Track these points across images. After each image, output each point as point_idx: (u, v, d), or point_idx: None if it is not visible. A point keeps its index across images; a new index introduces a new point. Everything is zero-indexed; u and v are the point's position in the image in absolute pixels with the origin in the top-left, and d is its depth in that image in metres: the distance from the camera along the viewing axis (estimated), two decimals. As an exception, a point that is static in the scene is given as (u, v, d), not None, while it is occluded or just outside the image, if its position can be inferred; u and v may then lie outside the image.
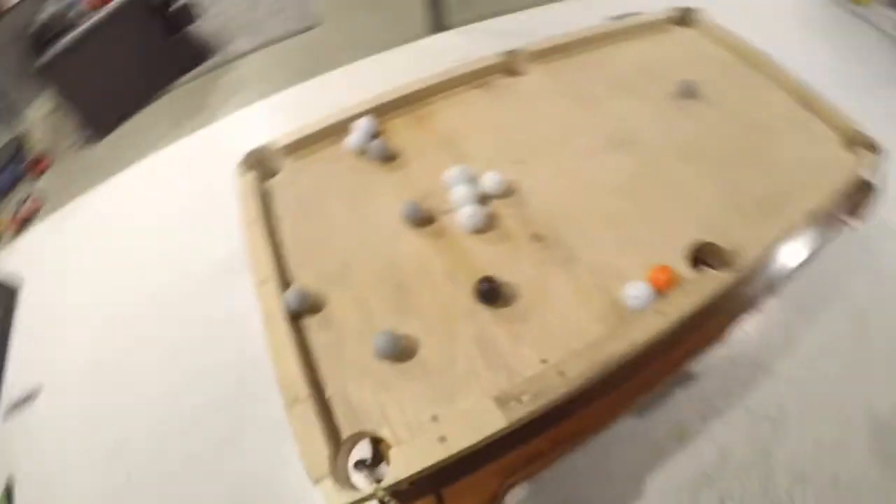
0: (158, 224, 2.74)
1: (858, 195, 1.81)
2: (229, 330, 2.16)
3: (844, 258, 2.81)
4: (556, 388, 1.07)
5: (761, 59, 2.12)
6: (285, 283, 1.33)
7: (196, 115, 3.52)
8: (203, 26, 5.10)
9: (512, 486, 1.16)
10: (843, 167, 1.72)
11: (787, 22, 4.92)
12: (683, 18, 2.31)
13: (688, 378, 2.24)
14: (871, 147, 1.80)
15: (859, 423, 2.28)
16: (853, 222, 1.90)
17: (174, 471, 1.89)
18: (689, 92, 1.91)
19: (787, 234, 1.47)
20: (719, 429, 2.19)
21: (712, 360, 2.34)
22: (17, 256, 3.04)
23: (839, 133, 1.87)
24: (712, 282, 1.29)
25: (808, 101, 1.97)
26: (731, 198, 1.57)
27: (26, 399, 2.26)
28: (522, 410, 1.04)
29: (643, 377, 1.31)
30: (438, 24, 4.27)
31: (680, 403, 2.20)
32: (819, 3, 5.18)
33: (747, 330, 2.45)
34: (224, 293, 2.30)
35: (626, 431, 2.09)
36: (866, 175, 1.82)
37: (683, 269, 1.34)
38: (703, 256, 1.39)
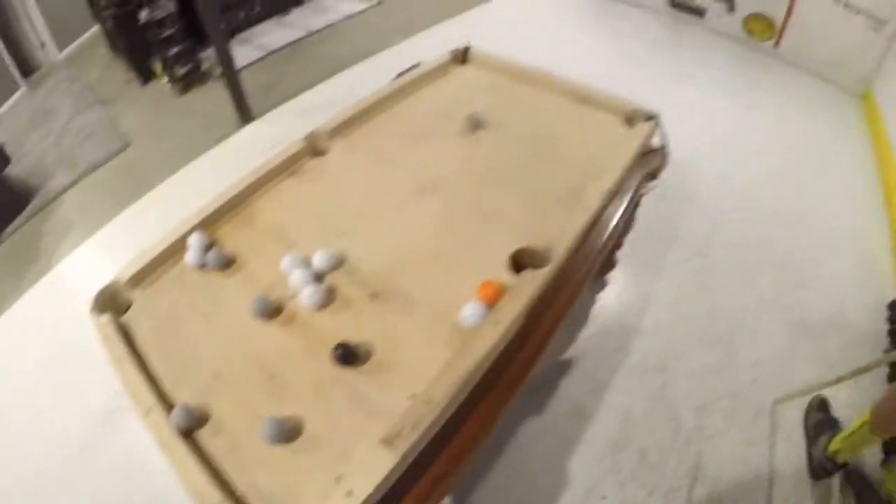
0: (22, 391, 2.64)
1: (653, 160, 2.11)
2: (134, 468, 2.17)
3: (664, 208, 3.21)
4: (429, 414, 1.23)
5: (532, 73, 2.42)
6: (168, 406, 1.38)
7: (33, 264, 3.39)
8: (16, 169, 4.89)
9: None
10: (628, 143, 2.04)
11: (562, 23, 5.47)
12: (460, 58, 2.57)
13: (564, 364, 2.47)
14: (649, 117, 2.11)
15: (731, 337, 2.63)
16: (652, 183, 2.20)
17: None
18: (476, 124, 2.16)
19: (591, 216, 1.73)
20: (613, 395, 2.45)
21: (582, 339, 2.61)
22: None
23: (618, 115, 2.19)
24: (533, 280, 1.53)
25: (583, 97, 2.29)
26: (535, 204, 1.84)
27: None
28: (407, 443, 1.19)
29: (511, 374, 1.48)
30: (245, 116, 4.40)
31: (568, 388, 2.43)
32: (595, 3, 5.78)
33: (605, 303, 2.74)
34: (115, 436, 2.31)
35: (532, 430, 2.29)
36: (652, 141, 2.16)
37: (509, 278, 1.55)
38: (524, 261, 1.61)
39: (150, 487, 2.06)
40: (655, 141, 2.20)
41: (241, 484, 1.23)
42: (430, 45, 2.94)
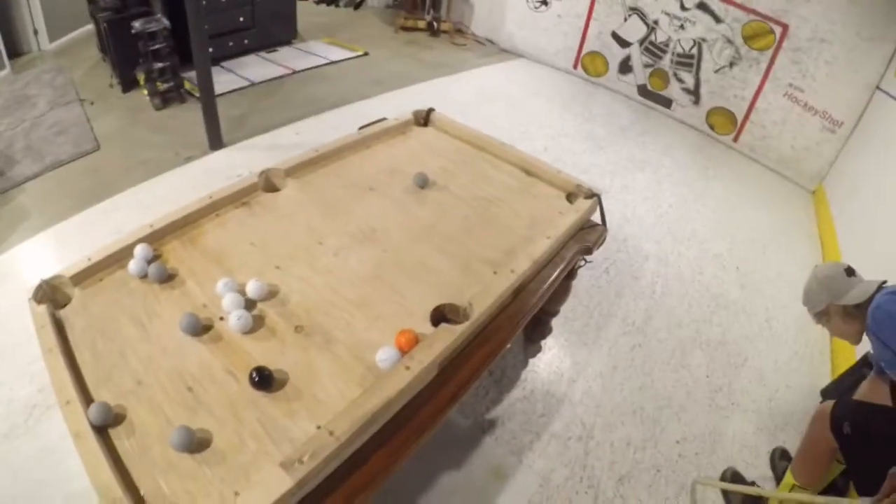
0: None
1: (590, 235, 2.27)
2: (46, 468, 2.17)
3: (605, 280, 3.37)
4: (329, 446, 1.31)
5: (484, 141, 2.59)
6: (88, 401, 1.44)
7: None
8: None
9: None
10: (565, 217, 2.19)
11: (538, 98, 5.74)
12: (422, 120, 2.73)
13: (488, 423, 2.55)
14: (591, 195, 2.27)
15: (660, 412, 2.75)
16: (585, 257, 2.33)
17: None
18: (423, 182, 2.30)
19: (516, 280, 1.85)
20: (534, 459, 2.53)
21: (509, 401, 2.70)
22: None
23: (561, 190, 2.33)
24: (448, 334, 1.63)
25: (530, 169, 2.44)
26: (466, 264, 1.97)
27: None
28: (304, 470, 1.25)
29: (419, 420, 1.56)
30: (215, 142, 4.50)
31: (491, 447, 2.50)
32: (569, 82, 6.10)
33: (536, 369, 2.85)
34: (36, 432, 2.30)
35: (449, 484, 2.35)
36: (590, 217, 2.31)
37: (427, 329, 1.66)
38: (446, 316, 1.73)
39: (67, 486, 2.07)
40: (595, 218, 2.35)
41: (144, 485, 1.28)
42: (403, 103, 3.08)
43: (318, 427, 1.39)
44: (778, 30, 4.78)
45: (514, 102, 5.66)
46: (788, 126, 4.95)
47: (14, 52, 6.35)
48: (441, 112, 2.80)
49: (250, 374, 1.47)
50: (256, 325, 1.67)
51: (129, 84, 5.51)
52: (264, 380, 1.46)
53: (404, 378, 1.48)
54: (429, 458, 2.29)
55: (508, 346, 1.89)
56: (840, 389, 2.63)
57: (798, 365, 3.13)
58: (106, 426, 1.40)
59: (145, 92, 5.29)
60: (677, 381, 2.91)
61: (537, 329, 2.85)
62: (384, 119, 2.72)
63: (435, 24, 7.48)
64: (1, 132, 5.00)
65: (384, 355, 1.53)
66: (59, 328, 1.65)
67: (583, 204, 2.27)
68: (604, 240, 2.35)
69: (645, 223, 3.96)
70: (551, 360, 2.93)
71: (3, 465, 2.21)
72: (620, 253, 3.68)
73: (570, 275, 2.39)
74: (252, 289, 1.73)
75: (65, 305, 1.75)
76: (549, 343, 2.95)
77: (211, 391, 1.49)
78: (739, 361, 3.08)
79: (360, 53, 6.70)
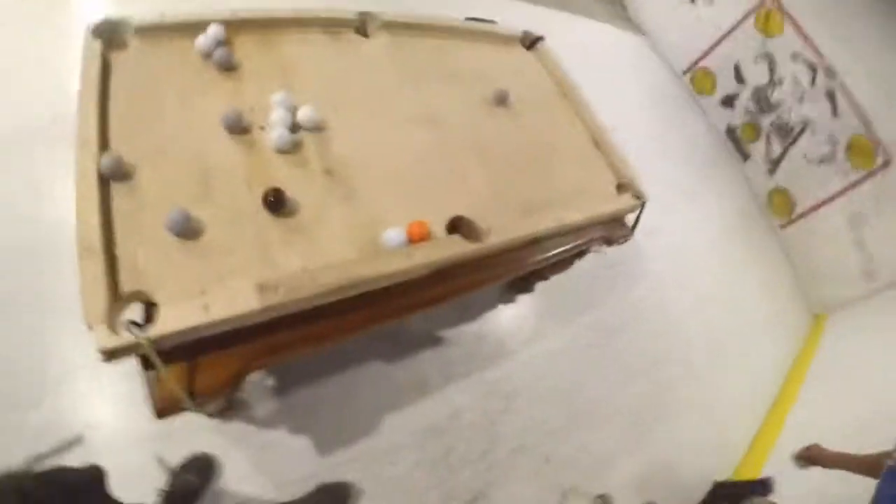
0: None
1: (615, 229, 2.26)
2: (32, 192, 2.20)
3: (604, 276, 3.35)
4: (307, 289, 1.33)
5: (573, 94, 2.51)
6: (104, 147, 1.43)
7: None
8: None
9: (254, 369, 1.40)
10: (607, 202, 2.16)
11: (644, 91, 5.53)
12: (527, 42, 2.65)
13: (436, 340, 2.58)
14: (638, 196, 2.25)
15: (578, 413, 2.79)
16: (603, 248, 2.32)
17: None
18: (500, 100, 2.25)
19: (534, 233, 1.84)
20: (456, 392, 2.58)
21: (463, 331, 2.72)
22: None
23: (615, 175, 2.31)
24: (457, 245, 1.63)
25: (600, 142, 2.38)
26: (500, 191, 1.93)
27: None
28: (275, 299, 1.28)
29: (384, 309, 1.60)
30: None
31: (425, 360, 2.54)
32: (670, 83, 5.87)
33: (501, 315, 2.86)
34: (37, 155, 2.29)
35: (374, 374, 2.41)
36: (626, 215, 2.29)
37: (440, 231, 1.67)
38: (459, 227, 1.72)
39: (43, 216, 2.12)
40: (630, 218, 2.33)
41: (122, 247, 1.30)
42: (507, 14, 2.95)
43: (304, 269, 1.41)
44: (880, 159, 4.59)
45: (610, 72, 5.40)
46: (833, 247, 4.80)
47: None
48: (548, 44, 2.72)
49: (266, 192, 1.47)
50: (293, 149, 1.65)
51: None
52: (276, 202, 1.47)
53: (400, 264, 1.49)
54: (364, 342, 2.34)
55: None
56: (724, 495, 2.75)
57: (716, 446, 3.19)
58: (110, 178, 1.40)
59: None
60: (611, 397, 2.95)
61: (522, 282, 2.86)
62: (494, 22, 2.63)
63: None
64: None
65: (393, 235, 1.54)
66: (105, 70, 1.62)
67: (627, 200, 2.24)
68: (626, 240, 2.36)
69: (662, 247, 3.90)
70: (518, 314, 2.94)
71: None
72: (628, 259, 3.64)
73: (580, 253, 2.40)
74: (304, 113, 1.70)
75: (119, 50, 1.70)
76: (524, 300, 2.97)
77: (223, 190, 1.49)
78: (670, 414, 3.11)
79: None
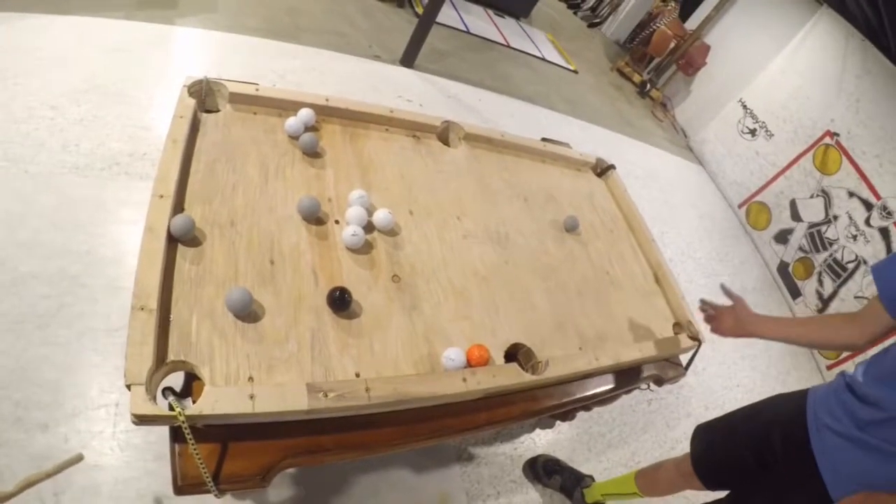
0: (57, 87, 2.74)
1: (668, 368, 2.17)
2: (90, 217, 2.24)
3: (645, 411, 3.23)
4: (358, 399, 1.27)
5: (639, 225, 2.49)
6: (179, 206, 1.43)
7: (153, 6, 3.49)
8: None
9: (288, 465, 1.33)
10: (664, 341, 2.09)
11: (698, 215, 5.55)
12: (599, 169, 2.67)
13: (467, 455, 2.49)
14: (695, 338, 2.18)
15: None
16: (651, 387, 2.24)
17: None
18: (571, 227, 2.24)
19: (591, 368, 1.76)
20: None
21: (496, 451, 2.62)
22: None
23: (673, 313, 2.25)
24: (514, 374, 1.57)
25: (661, 278, 2.34)
26: (560, 321, 1.89)
27: None
28: (324, 403, 1.22)
29: (431, 428, 1.51)
30: (407, 58, 4.53)
31: (453, 475, 2.43)
32: (726, 214, 5.89)
33: (536, 439, 2.76)
34: (104, 183, 2.37)
35: (397, 480, 2.29)
36: (679, 356, 2.21)
37: (498, 356, 1.62)
38: (518, 355, 1.68)
39: (98, 252, 2.13)
40: (683, 359, 2.25)
41: (177, 311, 1.27)
42: (578, 136, 3.00)
43: (357, 375, 1.36)
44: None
45: (669, 201, 5.50)
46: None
47: None
48: (618, 173, 2.73)
49: (333, 290, 1.44)
50: (363, 249, 1.64)
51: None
52: (342, 301, 1.43)
53: (456, 387, 1.43)
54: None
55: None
56: None
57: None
58: (178, 239, 1.38)
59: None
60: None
61: (563, 411, 2.74)
62: (567, 145, 2.66)
63: (648, 85, 7.35)
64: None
65: (453, 356, 1.48)
66: (194, 128, 1.66)
67: (685, 341, 2.16)
68: (678, 381, 2.27)
69: (706, 384, 3.76)
70: (554, 441, 2.82)
71: (57, 190, 2.29)
72: (670, 395, 3.52)
73: (629, 389, 2.30)
74: (380, 217, 1.70)
75: (210, 112, 1.76)
76: (561, 426, 2.85)
77: (288, 277, 1.47)
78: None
79: (570, 67, 6.65)
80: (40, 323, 1.96)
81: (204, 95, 1.75)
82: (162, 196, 1.40)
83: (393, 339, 1.49)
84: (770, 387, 4.44)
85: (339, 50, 4.17)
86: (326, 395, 1.23)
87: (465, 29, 5.82)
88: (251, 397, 1.16)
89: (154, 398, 1.10)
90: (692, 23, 7.17)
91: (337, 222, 1.66)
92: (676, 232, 5.08)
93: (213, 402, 1.13)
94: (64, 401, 1.87)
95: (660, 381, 2.18)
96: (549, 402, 1.77)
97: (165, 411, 1.09)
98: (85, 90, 2.78)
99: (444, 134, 2.23)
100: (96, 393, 1.90)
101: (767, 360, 4.63)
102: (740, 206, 6.11)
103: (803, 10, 5.92)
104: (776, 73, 6.00)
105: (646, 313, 2.20)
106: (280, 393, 1.20)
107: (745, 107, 6.24)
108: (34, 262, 2.10)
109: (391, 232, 1.74)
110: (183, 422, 1.10)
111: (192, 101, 1.68)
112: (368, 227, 1.68)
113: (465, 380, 1.44)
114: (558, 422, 2.82)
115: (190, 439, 1.12)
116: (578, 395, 1.86)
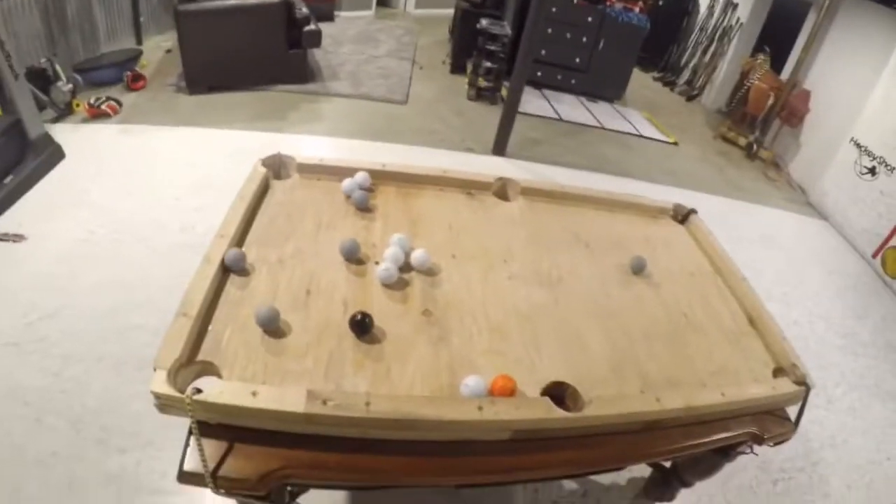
0: (183, 181, 3.36)
1: (770, 424, 1.76)
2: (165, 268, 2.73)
3: (765, 490, 2.80)
4: (357, 411, 1.26)
5: (729, 266, 2.27)
6: (236, 245, 1.68)
7: (269, 119, 4.09)
8: (319, 55, 5.99)
9: (290, 477, 1.32)
10: (757, 386, 1.77)
11: (826, 271, 5.10)
12: (679, 216, 2.58)
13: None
14: (801, 382, 1.79)
15: None
16: (753, 446, 1.80)
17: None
18: (639, 268, 2.12)
19: (651, 410, 1.53)
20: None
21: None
22: (72, 136, 3.92)
23: (773, 358, 1.91)
24: (540, 408, 1.42)
25: (755, 319, 2.06)
26: (618, 364, 1.71)
27: (8, 238, 2.95)
28: (321, 410, 1.24)
29: (443, 464, 1.41)
30: (499, 147, 4.76)
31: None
32: (858, 267, 5.34)
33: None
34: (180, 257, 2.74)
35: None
36: (787, 405, 1.82)
37: (532, 391, 1.50)
38: (563, 396, 1.52)
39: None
40: (791, 411, 1.85)
41: (216, 324, 1.47)
42: (692, 204, 2.86)
43: (367, 394, 1.34)
44: None
45: (793, 261, 5.09)
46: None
47: (383, 1, 8.15)
48: (701, 219, 2.56)
49: (355, 314, 1.50)
50: (395, 285, 1.72)
51: (457, 67, 6.30)
52: (363, 325, 1.49)
53: (469, 414, 1.34)
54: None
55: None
56: None
57: None
58: (230, 269, 1.62)
59: (467, 80, 5.85)
60: None
61: (660, 487, 2.40)
62: (642, 197, 2.59)
63: (755, 146, 6.96)
64: (344, 53, 6.05)
65: (471, 382, 1.41)
66: (264, 190, 1.98)
67: (785, 385, 1.78)
68: (786, 440, 1.82)
69: (850, 459, 3.17)
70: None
71: (172, 263, 2.82)
72: (802, 474, 2.96)
73: (726, 453, 1.92)
74: (417, 256, 1.79)
75: (281, 179, 2.09)
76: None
77: (319, 305, 1.60)
78: None
79: (669, 140, 6.60)
80: (139, 365, 2.36)
81: (278, 167, 2.09)
82: (222, 236, 1.68)
83: (413, 366, 1.50)
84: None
85: (434, 146, 4.51)
86: (325, 403, 1.25)
87: (556, 117, 6.03)
88: (254, 394, 1.23)
89: (175, 384, 1.24)
90: (786, 72, 6.88)
91: (377, 263, 1.76)
92: (801, 292, 4.63)
93: (219, 392, 1.23)
94: (143, 432, 2.23)
95: (759, 439, 1.72)
96: (599, 451, 1.53)
97: (177, 394, 1.21)
98: (205, 185, 3.27)
99: (501, 191, 2.29)
100: (171, 429, 2.04)
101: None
102: (874, 255, 5.43)
103: (891, 27, 5.62)
104: (880, 101, 5.56)
105: (736, 358, 1.90)
106: (281, 395, 1.26)
107: (857, 145, 5.69)
108: (143, 317, 2.61)
109: (429, 271, 1.80)
110: (189, 405, 1.20)
111: (262, 170, 2.02)
112: (406, 268, 1.78)
113: (480, 408, 1.35)
114: (657, 502, 2.52)
115: (195, 429, 1.22)
116: (647, 449, 1.61)
